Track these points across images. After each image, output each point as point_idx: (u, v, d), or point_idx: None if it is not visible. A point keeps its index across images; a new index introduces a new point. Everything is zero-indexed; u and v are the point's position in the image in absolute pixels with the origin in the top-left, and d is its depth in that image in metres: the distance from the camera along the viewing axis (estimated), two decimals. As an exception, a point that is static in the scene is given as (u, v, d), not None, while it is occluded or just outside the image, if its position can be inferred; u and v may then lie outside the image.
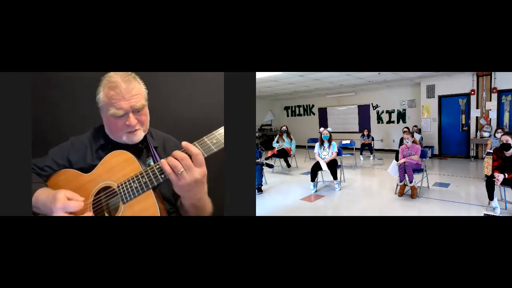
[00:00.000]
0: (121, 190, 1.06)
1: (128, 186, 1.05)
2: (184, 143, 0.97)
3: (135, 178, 1.05)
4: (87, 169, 1.17)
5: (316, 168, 4.00)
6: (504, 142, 2.83)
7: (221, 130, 1.04)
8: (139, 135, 1.18)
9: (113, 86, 1.12)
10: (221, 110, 1.29)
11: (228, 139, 1.27)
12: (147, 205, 1.03)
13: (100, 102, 1.16)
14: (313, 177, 3.98)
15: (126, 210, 1.04)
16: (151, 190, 1.04)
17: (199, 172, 0.97)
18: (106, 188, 1.11)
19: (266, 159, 5.65)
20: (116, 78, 1.14)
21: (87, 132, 1.31)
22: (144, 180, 1.03)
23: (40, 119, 1.59)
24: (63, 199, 1.03)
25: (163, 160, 0.98)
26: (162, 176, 1.02)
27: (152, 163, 1.19)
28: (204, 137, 1.03)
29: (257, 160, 4.16)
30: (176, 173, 0.95)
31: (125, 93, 1.10)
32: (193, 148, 0.96)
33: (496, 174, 2.79)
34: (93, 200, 1.11)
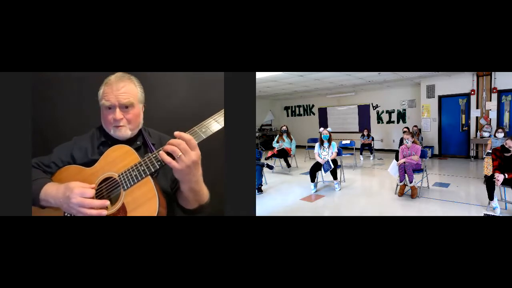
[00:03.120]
0: (122, 179, 1.15)
1: (128, 175, 1.14)
2: (176, 132, 1.09)
3: (134, 167, 1.14)
4: (89, 163, 1.25)
5: (316, 168, 3.99)
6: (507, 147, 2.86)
7: (208, 120, 1.16)
8: (124, 132, 1.27)
9: (108, 83, 1.27)
10: (221, 110, 1.29)
11: (228, 139, 1.27)
12: (145, 190, 1.11)
13: (99, 97, 1.29)
14: (313, 177, 3.98)
15: (126, 196, 1.13)
16: (149, 177, 1.13)
17: (195, 154, 1.08)
18: (107, 178, 1.18)
19: (266, 159, 5.65)
20: (112, 77, 1.28)
21: (89, 132, 1.37)
22: (142, 168, 1.13)
23: (40, 119, 1.59)
24: (79, 187, 1.12)
25: (161, 152, 1.08)
26: (159, 163, 1.11)
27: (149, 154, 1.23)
28: (194, 127, 1.15)
29: (258, 161, 4.17)
30: (175, 158, 1.05)
31: (114, 89, 1.24)
32: (185, 134, 1.08)
33: (496, 174, 2.79)
34: (96, 190, 1.18)
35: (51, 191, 1.14)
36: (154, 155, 1.13)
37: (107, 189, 1.18)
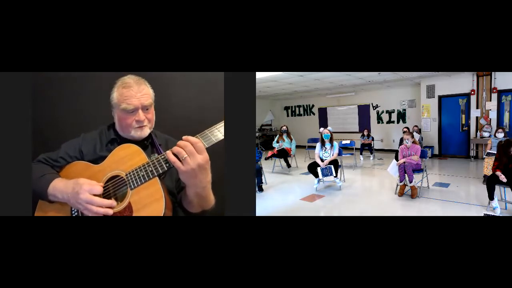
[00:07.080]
0: (129, 178, 1.15)
1: (136, 174, 1.15)
2: (185, 136, 1.08)
3: (142, 167, 1.14)
4: (96, 160, 1.26)
5: (314, 166, 3.98)
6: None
7: (220, 125, 1.15)
8: (146, 131, 1.30)
9: (126, 86, 1.26)
10: (221, 110, 1.29)
11: (228, 139, 1.27)
12: (153, 191, 1.12)
13: (113, 100, 1.28)
14: (315, 173, 3.96)
15: (133, 195, 1.14)
16: (157, 178, 1.13)
17: (201, 158, 1.06)
18: (115, 177, 1.19)
19: (266, 159, 5.65)
20: (129, 80, 1.28)
21: (97, 129, 1.38)
22: (150, 168, 1.13)
23: (40, 119, 1.59)
24: (88, 183, 1.13)
25: (168, 151, 1.08)
26: (167, 165, 1.11)
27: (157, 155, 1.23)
28: (205, 130, 1.14)
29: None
30: (180, 160, 1.05)
31: (136, 92, 1.25)
32: (192, 137, 1.08)
33: (498, 173, 2.82)
34: (103, 187, 1.19)
35: (59, 186, 1.16)
36: (162, 157, 1.12)
37: (114, 187, 1.19)
